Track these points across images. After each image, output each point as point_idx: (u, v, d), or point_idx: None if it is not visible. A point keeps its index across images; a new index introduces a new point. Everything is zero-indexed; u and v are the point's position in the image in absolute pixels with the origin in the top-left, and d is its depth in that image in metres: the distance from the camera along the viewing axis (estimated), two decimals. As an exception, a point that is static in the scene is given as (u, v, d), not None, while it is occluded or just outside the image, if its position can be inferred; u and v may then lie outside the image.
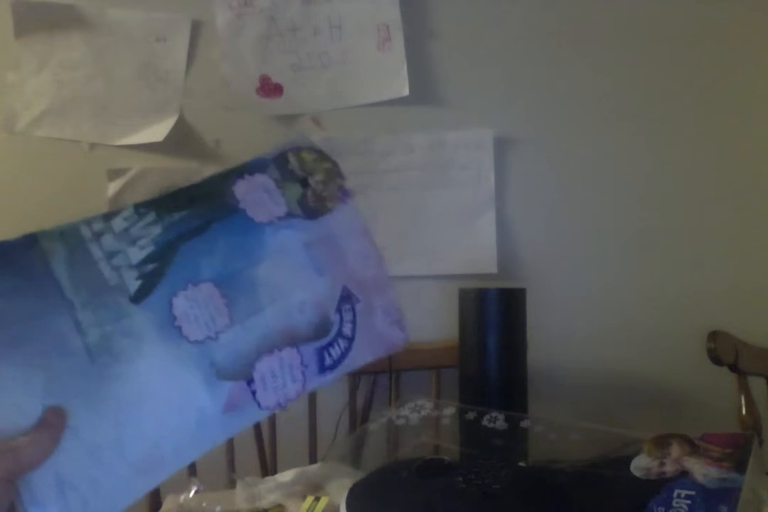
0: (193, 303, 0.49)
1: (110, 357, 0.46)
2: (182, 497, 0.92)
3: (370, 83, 1.48)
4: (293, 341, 0.53)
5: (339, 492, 0.83)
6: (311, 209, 0.57)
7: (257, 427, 1.33)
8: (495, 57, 1.48)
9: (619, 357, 1.46)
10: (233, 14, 1.49)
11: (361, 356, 0.58)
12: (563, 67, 1.47)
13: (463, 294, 1.25)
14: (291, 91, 1.50)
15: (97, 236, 0.48)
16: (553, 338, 1.41)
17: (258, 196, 0.54)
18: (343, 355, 0.56)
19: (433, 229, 1.48)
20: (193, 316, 0.49)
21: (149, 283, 0.48)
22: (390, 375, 1.38)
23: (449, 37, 1.48)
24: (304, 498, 0.87)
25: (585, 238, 1.48)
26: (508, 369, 1.20)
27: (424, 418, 0.93)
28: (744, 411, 1.23)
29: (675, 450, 0.76)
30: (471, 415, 0.92)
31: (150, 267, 0.48)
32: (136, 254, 0.48)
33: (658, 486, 0.71)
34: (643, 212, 1.47)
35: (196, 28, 1.51)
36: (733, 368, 1.24)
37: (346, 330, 0.56)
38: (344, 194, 0.58)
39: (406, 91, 1.47)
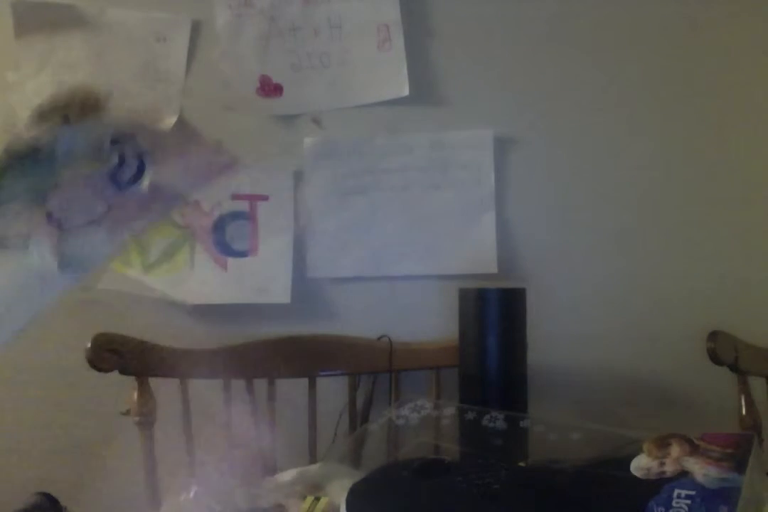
0: None
1: None
2: (182, 497, 0.92)
3: (370, 83, 1.48)
4: None
5: (339, 492, 0.83)
6: None
7: (257, 427, 1.33)
8: (495, 57, 1.48)
9: (619, 357, 1.46)
10: (233, 14, 1.49)
11: None
12: (564, 68, 1.47)
13: (463, 294, 1.25)
14: (291, 91, 1.50)
15: None
16: (553, 338, 1.41)
17: None
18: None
19: (433, 229, 1.48)
20: None
21: None
22: (390, 375, 1.38)
23: (449, 37, 1.48)
24: (304, 498, 0.87)
25: (585, 238, 1.48)
26: (508, 369, 1.21)
27: (424, 418, 0.93)
28: (744, 411, 1.23)
29: (675, 450, 0.76)
30: (471, 415, 0.92)
31: None
32: None
33: (658, 486, 0.71)
34: (643, 212, 1.47)
35: (196, 28, 1.51)
36: (733, 368, 1.24)
37: None
38: None
39: (406, 91, 1.47)
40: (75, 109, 0.66)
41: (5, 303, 0.63)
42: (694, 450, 0.76)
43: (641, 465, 0.76)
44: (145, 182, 0.67)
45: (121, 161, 0.67)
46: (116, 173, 0.66)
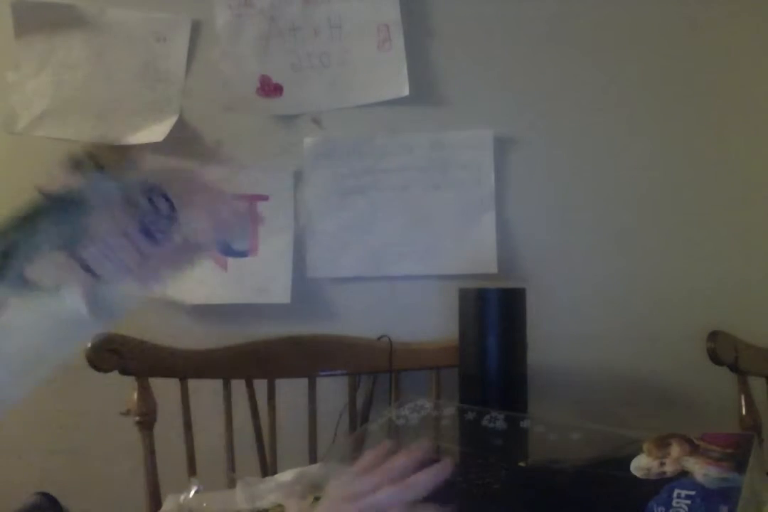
0: None
1: None
2: (182, 497, 0.92)
3: (370, 83, 1.48)
4: None
5: (339, 492, 0.83)
6: None
7: (257, 427, 1.33)
8: (495, 57, 1.48)
9: (619, 357, 1.46)
10: (233, 14, 1.49)
11: None
12: (564, 68, 1.47)
13: (463, 294, 1.25)
14: (291, 91, 1.50)
15: None
16: (553, 338, 1.41)
17: None
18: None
19: (433, 229, 1.48)
20: None
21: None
22: (390, 375, 1.38)
23: (449, 37, 1.48)
24: (304, 498, 0.87)
25: (585, 238, 1.47)
26: (508, 369, 1.21)
27: (424, 418, 0.93)
28: (744, 411, 1.23)
29: (675, 450, 0.76)
30: (471, 415, 0.92)
31: None
32: None
33: (658, 486, 0.71)
34: (643, 212, 1.47)
35: (196, 28, 1.51)
36: (733, 368, 1.24)
37: None
38: None
39: (406, 91, 1.47)
40: (107, 157, 0.68)
41: (35, 347, 0.65)
42: (694, 450, 0.76)
43: (641, 465, 0.76)
44: (176, 234, 0.69)
45: (154, 214, 0.69)
46: (149, 225, 0.68)
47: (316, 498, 0.85)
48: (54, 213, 0.65)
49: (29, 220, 0.65)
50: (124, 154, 0.71)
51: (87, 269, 0.65)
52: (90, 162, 0.67)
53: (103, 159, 0.67)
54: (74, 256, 0.64)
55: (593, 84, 1.47)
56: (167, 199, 0.68)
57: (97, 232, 0.65)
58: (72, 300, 0.64)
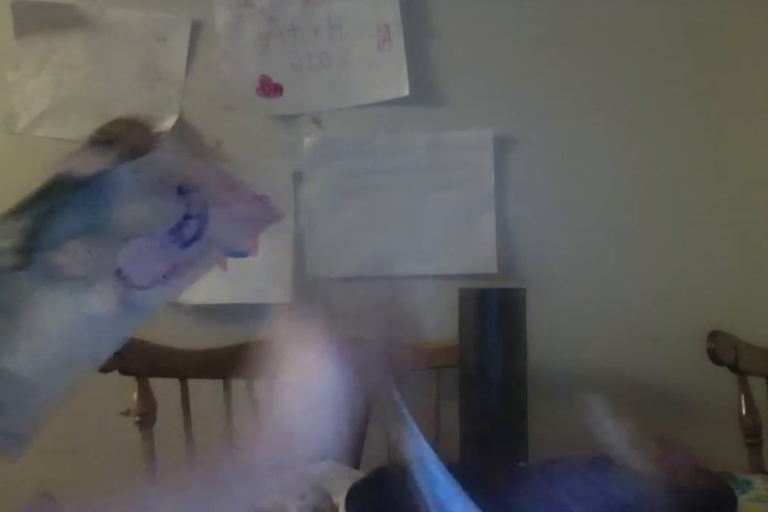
0: None
1: None
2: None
3: (370, 83, 1.48)
4: None
5: (339, 492, 0.83)
6: None
7: (257, 427, 1.33)
8: (495, 57, 1.48)
9: (619, 357, 1.45)
10: (233, 14, 1.49)
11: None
12: (564, 68, 1.47)
13: (463, 294, 1.25)
14: (291, 91, 1.50)
15: None
16: (553, 338, 1.41)
17: None
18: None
19: (433, 229, 1.48)
20: None
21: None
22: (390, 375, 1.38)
23: (449, 37, 1.48)
24: (304, 498, 0.86)
25: (585, 237, 1.47)
26: (508, 369, 1.20)
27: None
28: (744, 411, 1.23)
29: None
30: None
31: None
32: None
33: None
34: (644, 212, 1.47)
35: (196, 28, 1.51)
36: (733, 368, 1.24)
37: None
38: None
39: (406, 91, 1.47)
40: (137, 137, 0.64)
41: (69, 340, 0.64)
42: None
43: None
44: (206, 237, 0.67)
45: (187, 216, 0.66)
46: (181, 228, 0.66)
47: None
48: (80, 196, 0.62)
49: (54, 202, 0.62)
50: (154, 134, 0.67)
51: (117, 267, 0.63)
52: (120, 142, 0.63)
53: (133, 139, 0.64)
54: (104, 247, 0.62)
55: (593, 84, 1.47)
56: (200, 200, 0.66)
57: (127, 231, 0.62)
58: (103, 296, 0.62)
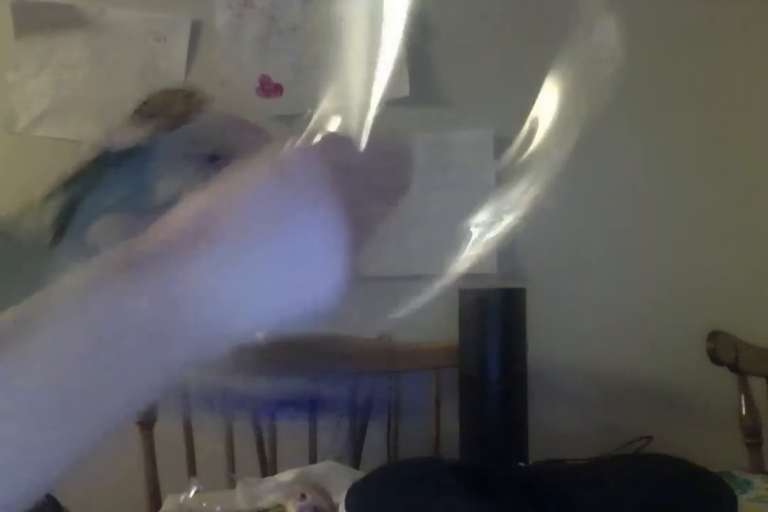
0: None
1: None
2: (182, 497, 0.92)
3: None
4: None
5: (339, 492, 0.83)
6: None
7: (257, 427, 1.33)
8: (495, 57, 1.48)
9: (619, 357, 1.46)
10: (233, 14, 1.49)
11: None
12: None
13: (463, 294, 1.25)
14: (291, 91, 1.50)
15: None
16: (553, 338, 1.41)
17: None
18: None
19: (433, 228, 1.48)
20: None
21: None
22: (390, 375, 1.38)
23: (449, 37, 1.48)
24: (303, 498, 0.86)
25: (585, 238, 1.47)
26: (508, 369, 1.20)
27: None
28: (744, 411, 1.23)
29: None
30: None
31: None
32: None
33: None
34: (643, 212, 1.47)
35: (196, 28, 1.51)
36: (733, 368, 1.24)
37: None
38: None
39: (406, 91, 1.46)
40: (178, 110, 0.61)
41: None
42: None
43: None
44: None
45: None
46: None
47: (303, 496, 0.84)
48: (118, 170, 0.60)
49: (93, 175, 0.59)
50: (198, 103, 0.65)
51: None
52: (161, 113, 0.60)
53: (176, 109, 0.61)
54: (138, 222, 0.59)
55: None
56: (229, 162, 0.62)
57: (160, 194, 0.58)
58: None
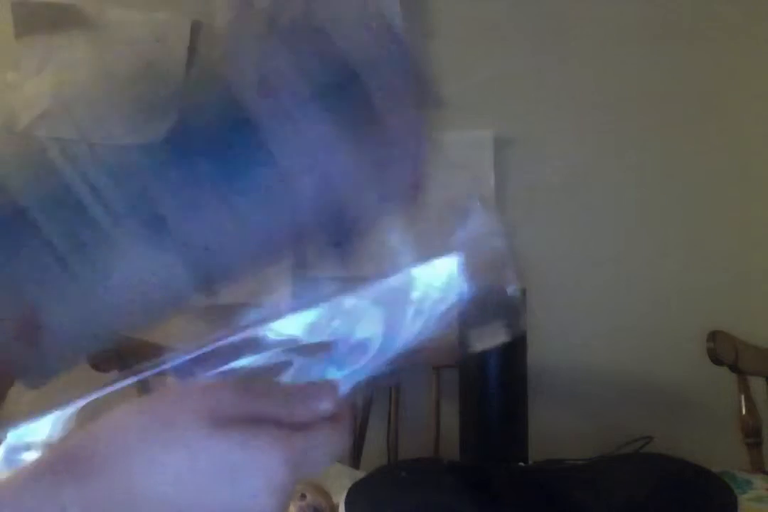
0: None
1: None
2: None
3: (370, 83, 1.48)
4: None
5: (339, 492, 0.83)
6: None
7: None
8: (495, 57, 1.48)
9: (619, 357, 1.46)
10: (233, 14, 1.49)
11: None
12: (564, 67, 1.47)
13: (463, 294, 1.24)
14: (291, 91, 1.50)
15: None
16: (553, 338, 1.41)
17: None
18: None
19: (433, 228, 1.48)
20: None
21: None
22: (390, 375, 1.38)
23: (449, 37, 1.48)
24: (303, 497, 0.86)
25: (585, 238, 1.47)
26: (508, 369, 1.20)
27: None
28: (744, 411, 1.23)
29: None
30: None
31: None
32: None
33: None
34: (643, 212, 1.47)
35: (196, 28, 1.51)
36: (733, 368, 1.24)
37: None
38: None
39: (406, 91, 1.46)
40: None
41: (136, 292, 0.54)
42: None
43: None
44: None
45: None
46: None
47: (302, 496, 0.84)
48: None
49: None
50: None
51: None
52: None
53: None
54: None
55: (594, 84, 1.47)
56: None
57: None
58: (170, 259, 0.53)
